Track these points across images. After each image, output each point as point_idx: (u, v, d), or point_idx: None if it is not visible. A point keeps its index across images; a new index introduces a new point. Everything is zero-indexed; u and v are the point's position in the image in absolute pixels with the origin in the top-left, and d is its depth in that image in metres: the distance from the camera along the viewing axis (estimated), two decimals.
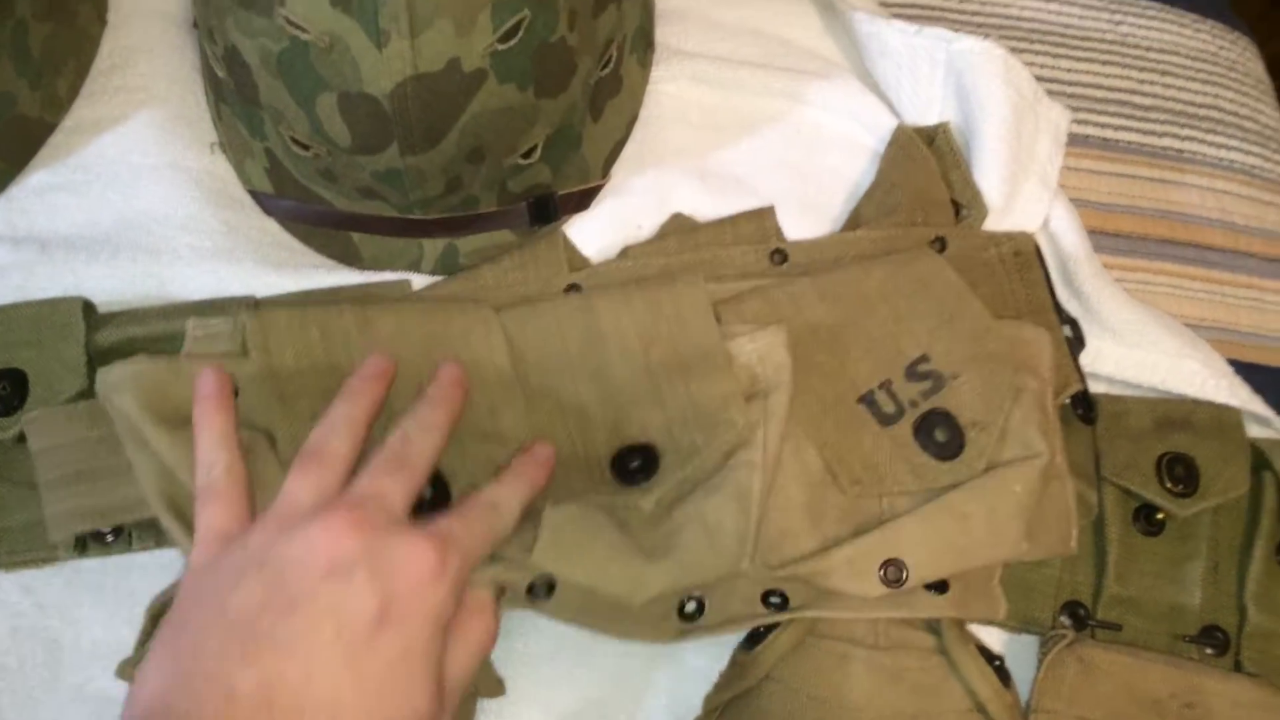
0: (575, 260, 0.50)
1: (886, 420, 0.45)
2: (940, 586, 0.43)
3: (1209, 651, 0.47)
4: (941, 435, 0.44)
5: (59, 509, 0.42)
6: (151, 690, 0.32)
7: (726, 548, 0.40)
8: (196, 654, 0.32)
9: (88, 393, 0.45)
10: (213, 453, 0.39)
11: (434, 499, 0.41)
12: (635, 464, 0.43)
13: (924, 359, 0.46)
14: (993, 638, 0.47)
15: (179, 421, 0.40)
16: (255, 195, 0.53)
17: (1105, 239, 0.58)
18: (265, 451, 0.41)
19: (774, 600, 0.42)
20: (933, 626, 0.44)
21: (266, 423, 0.42)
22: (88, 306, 0.47)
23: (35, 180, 0.52)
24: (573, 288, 0.48)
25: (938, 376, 0.45)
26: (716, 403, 0.42)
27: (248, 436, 0.40)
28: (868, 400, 0.45)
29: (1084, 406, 0.49)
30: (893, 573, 0.42)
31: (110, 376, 0.41)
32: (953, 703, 0.42)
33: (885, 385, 0.45)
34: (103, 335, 0.46)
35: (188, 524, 0.39)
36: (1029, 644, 0.47)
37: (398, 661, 0.33)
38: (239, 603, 0.33)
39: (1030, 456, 0.44)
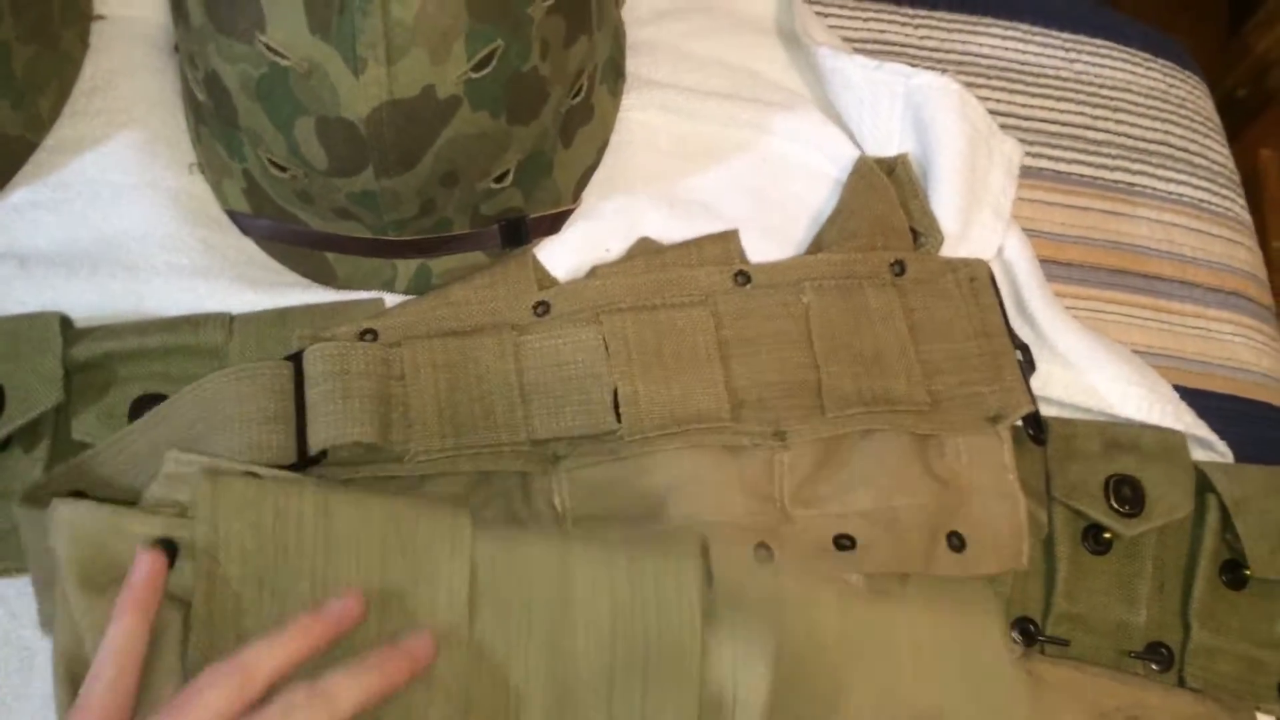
0: (544, 280, 0.51)
1: None
2: None
3: (1154, 667, 0.49)
4: None
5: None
6: None
7: None
8: None
9: (64, 407, 0.46)
10: (107, 660, 0.37)
11: None
12: None
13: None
14: None
15: (104, 585, 0.39)
16: (233, 215, 0.54)
17: (1057, 268, 0.60)
18: (173, 637, 0.39)
19: None
20: None
21: (193, 591, 0.40)
22: (65, 321, 0.48)
23: (16, 198, 0.53)
24: (541, 305, 0.50)
25: None
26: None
27: (162, 617, 0.39)
28: None
29: (1035, 427, 0.51)
30: None
31: (55, 515, 0.39)
32: None
33: None
34: (79, 349, 0.47)
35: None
36: None
37: None
38: None
39: None
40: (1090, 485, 0.50)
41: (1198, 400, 0.55)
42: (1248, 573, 0.50)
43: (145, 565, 0.39)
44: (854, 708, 0.39)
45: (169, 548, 0.40)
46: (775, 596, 0.41)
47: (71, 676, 0.39)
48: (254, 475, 0.42)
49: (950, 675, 0.40)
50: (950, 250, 0.54)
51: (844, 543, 0.46)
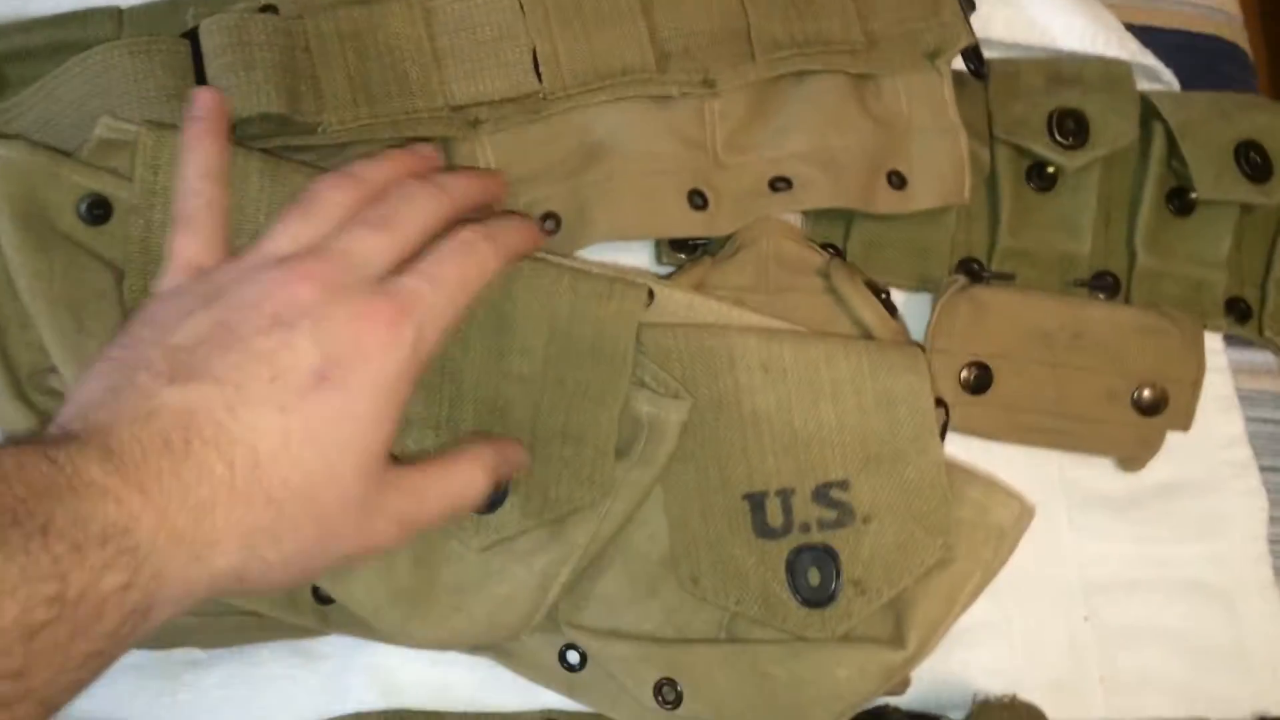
0: None
1: (765, 532, 0.39)
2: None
3: (1101, 296, 0.49)
4: (815, 578, 0.39)
5: None
6: (82, 398, 0.31)
7: (507, 624, 0.38)
8: (132, 370, 0.31)
9: None
10: (199, 182, 0.37)
11: None
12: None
13: (843, 485, 0.39)
14: (892, 296, 0.48)
15: (40, 231, 0.38)
16: None
17: None
18: (112, 300, 0.38)
19: (571, 659, 0.40)
20: (821, 270, 0.44)
21: (128, 242, 0.38)
22: None
23: None
24: None
25: (847, 511, 0.39)
26: (589, 453, 0.38)
27: (95, 282, 0.38)
28: (755, 501, 0.39)
29: (975, 61, 0.49)
30: (668, 693, 0.38)
31: None
32: (841, 330, 0.43)
33: (784, 494, 0.39)
34: None
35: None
36: (926, 302, 0.48)
37: (331, 424, 0.32)
38: (185, 331, 0.32)
39: (883, 643, 0.38)
40: (1033, 120, 0.49)
41: (1145, 36, 0.53)
42: (1193, 196, 0.49)
43: (208, 97, 0.39)
44: (762, 448, 0.39)
45: (103, 208, 0.38)
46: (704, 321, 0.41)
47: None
48: None
49: (871, 429, 0.39)
50: None
51: (779, 185, 0.45)
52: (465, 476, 0.35)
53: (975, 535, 0.38)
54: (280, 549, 0.31)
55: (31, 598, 0.25)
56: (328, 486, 0.32)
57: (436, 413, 0.38)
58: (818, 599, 0.38)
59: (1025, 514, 0.39)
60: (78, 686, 0.27)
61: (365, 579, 0.38)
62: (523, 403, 0.38)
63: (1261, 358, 0.51)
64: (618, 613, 0.39)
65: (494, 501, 0.37)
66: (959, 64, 0.49)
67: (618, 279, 0.40)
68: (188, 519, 0.29)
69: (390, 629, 0.38)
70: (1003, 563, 0.39)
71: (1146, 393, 0.46)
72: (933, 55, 0.48)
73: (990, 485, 0.39)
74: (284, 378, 0.31)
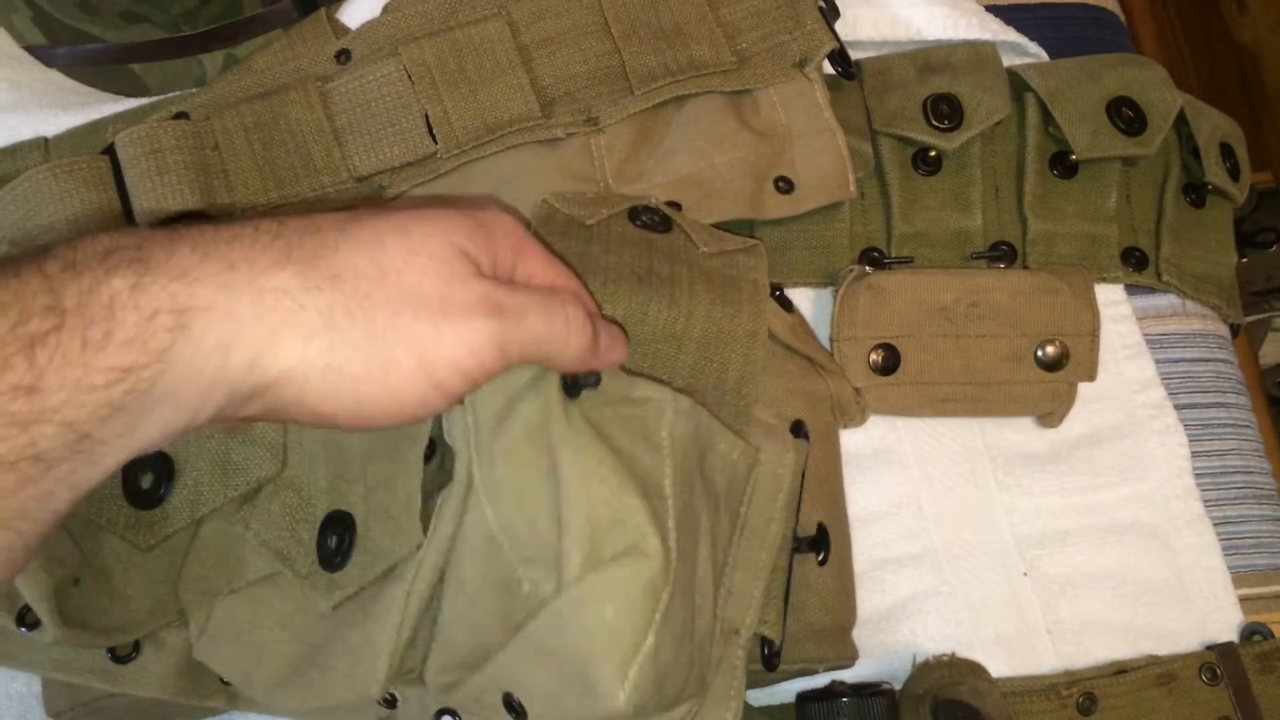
0: (342, 32, 0.51)
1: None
2: None
3: (1001, 265, 0.51)
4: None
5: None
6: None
7: (365, 676, 0.36)
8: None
9: None
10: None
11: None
12: (333, 541, 0.38)
13: None
14: (799, 297, 0.50)
15: None
16: (31, 50, 0.54)
17: None
18: None
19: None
20: None
21: None
22: None
23: None
24: (342, 53, 0.50)
25: None
26: (400, 496, 0.37)
27: None
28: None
29: (843, 64, 0.51)
30: (517, 705, 0.35)
31: None
32: None
33: None
34: None
35: None
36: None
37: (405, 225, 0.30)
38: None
39: (636, 553, 0.31)
40: (909, 110, 0.51)
41: (1015, 13, 0.55)
42: (1074, 158, 0.51)
43: None
44: None
45: None
46: None
47: None
48: None
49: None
50: None
51: (671, 208, 0.48)
52: (564, 309, 0.32)
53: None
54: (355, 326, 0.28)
55: (26, 311, 0.24)
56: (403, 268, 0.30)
57: (298, 474, 0.40)
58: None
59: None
60: (113, 412, 0.25)
61: (228, 647, 0.39)
62: (356, 455, 0.39)
63: (1164, 301, 0.53)
64: (456, 647, 0.37)
65: (341, 558, 0.38)
66: (830, 68, 0.52)
67: None
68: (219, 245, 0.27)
69: (263, 697, 0.40)
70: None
71: (1048, 349, 0.48)
72: (801, 63, 0.51)
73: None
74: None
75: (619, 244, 0.42)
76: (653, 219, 0.44)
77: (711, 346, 0.40)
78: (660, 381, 0.36)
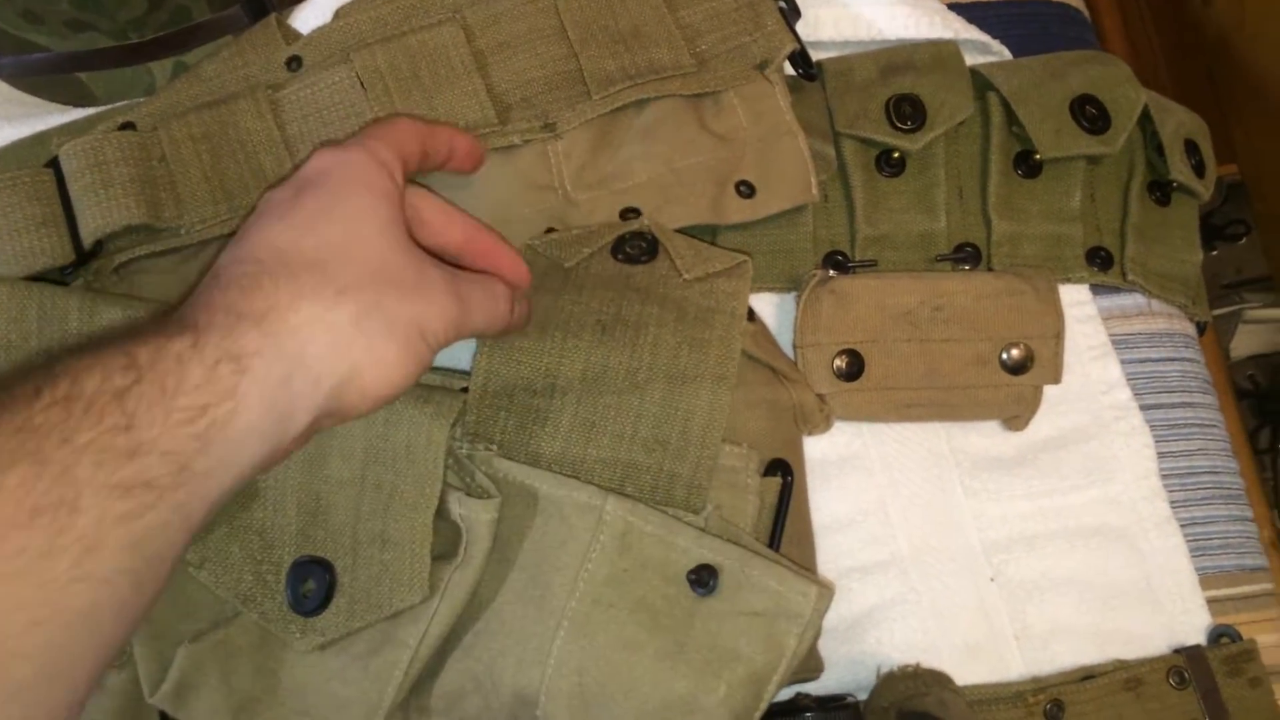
0: (292, 38, 0.50)
1: None
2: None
3: (965, 267, 0.51)
4: None
5: None
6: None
7: None
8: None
9: None
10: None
11: None
12: (309, 584, 0.39)
13: None
14: (763, 303, 0.50)
15: None
16: None
17: None
18: None
19: None
20: None
21: None
22: None
23: None
24: (293, 60, 0.49)
25: None
26: (406, 557, 0.38)
27: None
28: None
29: (804, 65, 0.51)
30: None
31: None
32: None
33: None
34: None
35: None
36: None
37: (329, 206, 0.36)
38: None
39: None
40: (871, 111, 0.50)
41: (979, 11, 0.55)
42: (1038, 157, 0.51)
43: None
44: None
45: None
46: None
47: None
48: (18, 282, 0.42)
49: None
50: None
51: (629, 215, 0.47)
52: (493, 286, 0.39)
53: (776, 626, 0.37)
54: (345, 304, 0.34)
55: (108, 370, 0.29)
56: (357, 245, 0.35)
57: (260, 517, 0.39)
58: None
59: (823, 595, 0.37)
60: (203, 445, 0.30)
61: (207, 696, 0.39)
62: (344, 506, 0.39)
63: (1130, 300, 0.53)
64: (460, 704, 0.39)
65: (318, 604, 0.38)
66: (791, 69, 0.51)
67: (437, 386, 0.41)
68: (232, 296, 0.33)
69: None
70: (808, 646, 0.38)
71: (1013, 353, 0.47)
72: (761, 65, 0.50)
73: (785, 574, 0.37)
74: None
75: (592, 287, 0.43)
76: (639, 246, 0.44)
77: (675, 394, 0.40)
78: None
